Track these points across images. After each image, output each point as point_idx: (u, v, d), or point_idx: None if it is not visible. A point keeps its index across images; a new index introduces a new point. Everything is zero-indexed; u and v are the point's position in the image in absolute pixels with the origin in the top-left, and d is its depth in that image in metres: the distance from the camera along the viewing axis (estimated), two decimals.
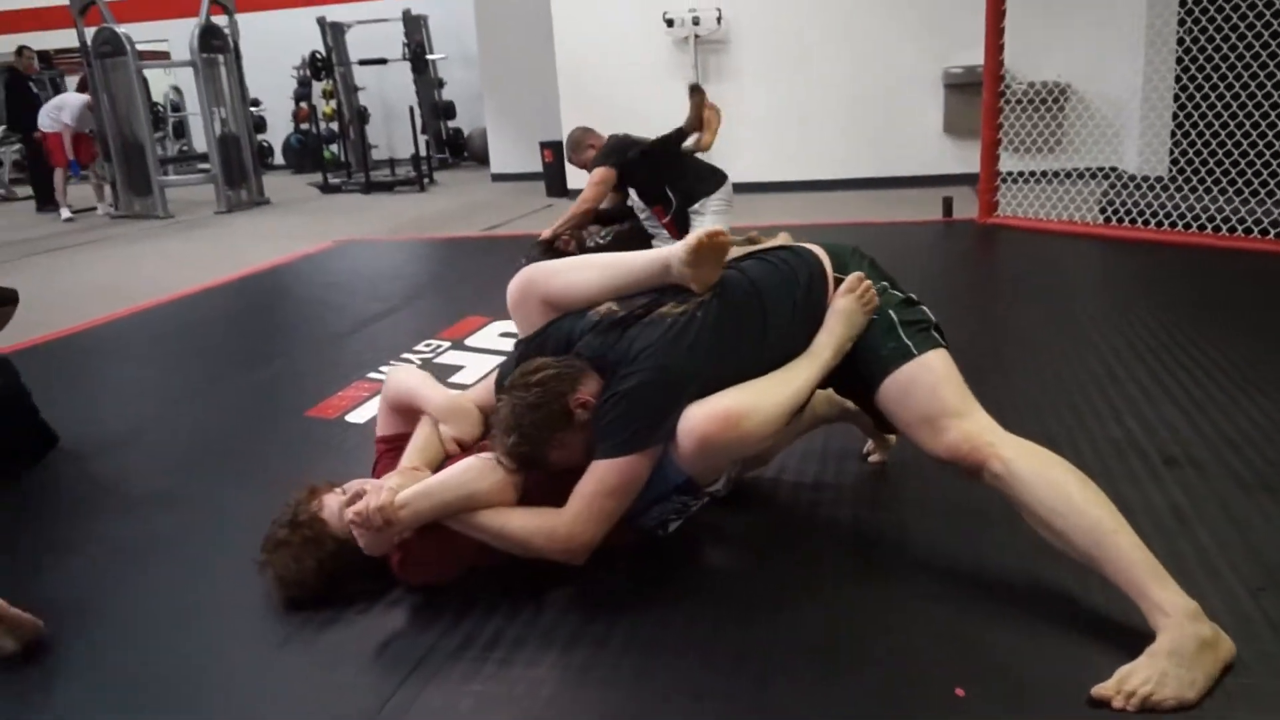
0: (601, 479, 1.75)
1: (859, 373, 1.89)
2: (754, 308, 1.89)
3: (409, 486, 1.78)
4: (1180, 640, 1.47)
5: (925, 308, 1.96)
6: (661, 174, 4.67)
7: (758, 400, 1.77)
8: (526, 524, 1.78)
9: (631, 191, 4.82)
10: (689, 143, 4.78)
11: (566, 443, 1.79)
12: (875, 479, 2.33)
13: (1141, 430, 2.47)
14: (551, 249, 4.75)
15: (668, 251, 1.91)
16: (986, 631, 1.66)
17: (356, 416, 3.00)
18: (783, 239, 4.81)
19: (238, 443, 2.90)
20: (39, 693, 1.69)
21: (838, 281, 1.94)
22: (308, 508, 1.88)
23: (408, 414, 2.07)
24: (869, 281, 1.90)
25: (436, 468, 1.91)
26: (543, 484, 1.82)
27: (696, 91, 4.78)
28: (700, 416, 1.73)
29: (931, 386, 1.81)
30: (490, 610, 1.81)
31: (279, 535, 1.86)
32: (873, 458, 2.38)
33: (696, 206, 4.61)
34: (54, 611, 1.96)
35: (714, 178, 4.69)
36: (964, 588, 1.81)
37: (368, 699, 1.58)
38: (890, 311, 1.90)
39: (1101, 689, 1.44)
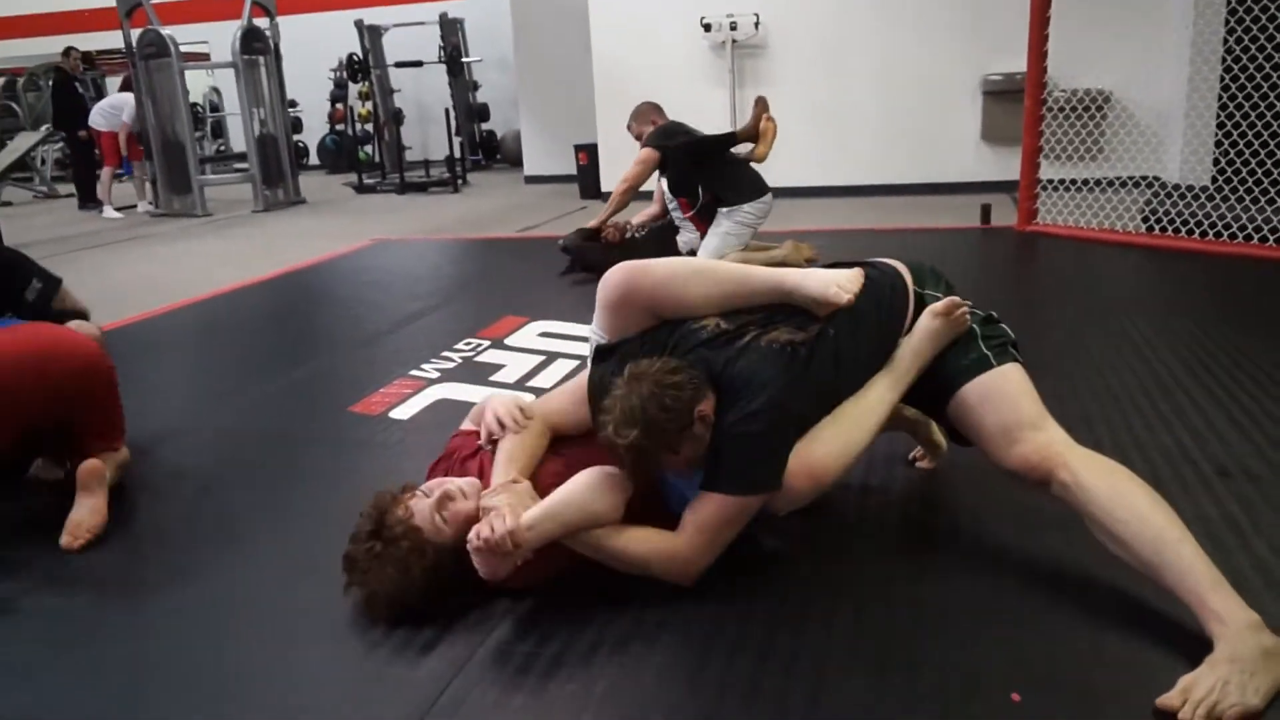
0: (723, 512, 1.76)
1: (935, 382, 1.92)
2: (854, 335, 1.89)
3: (519, 503, 1.73)
4: (1240, 648, 1.45)
5: (1004, 325, 2.00)
6: (698, 169, 4.69)
7: (843, 447, 1.83)
8: (646, 548, 1.78)
9: (662, 181, 4.87)
10: (743, 150, 4.80)
11: (680, 451, 1.76)
12: (925, 483, 2.32)
13: (1192, 440, 2.44)
14: (594, 236, 4.82)
15: (794, 280, 1.89)
16: (1043, 637, 1.65)
17: (400, 413, 3.02)
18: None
19: (283, 437, 2.93)
20: (89, 674, 1.71)
21: (917, 297, 1.96)
22: (397, 516, 1.79)
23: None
24: (964, 305, 1.92)
25: (531, 475, 1.88)
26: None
27: (760, 102, 4.81)
28: (792, 474, 1.77)
29: (1010, 397, 1.85)
30: (542, 606, 1.82)
31: (373, 550, 1.77)
32: (921, 464, 2.36)
33: (725, 210, 4.63)
34: (102, 597, 2.00)
35: (753, 189, 4.70)
36: (1019, 592, 1.79)
37: (421, 693, 1.59)
38: (973, 325, 1.94)
39: (1167, 699, 1.43)
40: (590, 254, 4.82)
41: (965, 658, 1.61)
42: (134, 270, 6.39)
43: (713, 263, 2.03)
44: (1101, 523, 1.66)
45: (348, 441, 2.83)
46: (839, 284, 1.85)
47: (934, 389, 1.93)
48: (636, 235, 4.94)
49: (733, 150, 4.81)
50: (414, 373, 3.43)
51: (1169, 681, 1.49)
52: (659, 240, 4.82)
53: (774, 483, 1.77)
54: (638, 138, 4.98)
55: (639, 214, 5.19)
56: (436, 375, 3.40)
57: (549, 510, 1.72)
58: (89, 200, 9.97)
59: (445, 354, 3.66)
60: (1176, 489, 2.16)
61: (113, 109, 9.60)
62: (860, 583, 1.88)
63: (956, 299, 1.92)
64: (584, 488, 1.77)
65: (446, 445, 2.12)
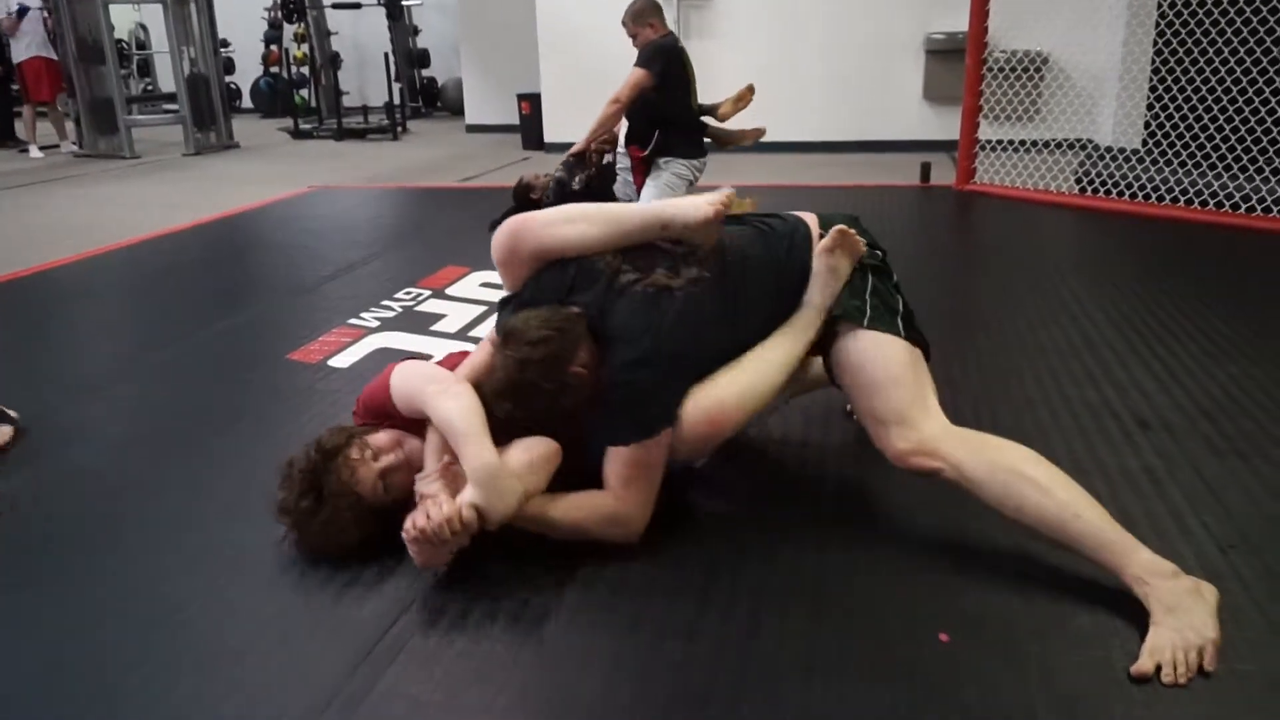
0: (631, 462, 1.78)
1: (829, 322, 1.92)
2: (743, 279, 1.90)
3: (454, 488, 1.73)
4: (1171, 600, 1.52)
5: (903, 298, 1.97)
6: (668, 110, 4.55)
7: (742, 391, 1.83)
8: (581, 514, 1.79)
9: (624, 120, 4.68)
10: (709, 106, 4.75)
11: (562, 409, 1.78)
12: (860, 436, 2.37)
13: (1116, 394, 2.53)
14: (584, 161, 4.59)
15: (669, 212, 1.89)
16: (972, 582, 1.71)
17: (340, 361, 2.99)
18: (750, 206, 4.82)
19: (220, 384, 2.88)
20: (23, 619, 1.69)
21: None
22: (341, 480, 1.78)
23: (416, 416, 1.89)
24: (851, 233, 1.90)
25: None
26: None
27: (750, 91, 4.74)
28: (689, 420, 1.79)
29: (881, 384, 1.82)
30: (483, 553, 1.83)
31: (310, 508, 1.77)
32: (856, 415, 2.41)
33: (664, 161, 4.53)
34: (33, 542, 1.96)
35: (698, 148, 4.65)
36: (950, 539, 1.85)
37: (364, 636, 1.60)
38: (870, 273, 1.93)
39: (1141, 668, 1.45)
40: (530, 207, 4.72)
41: (897, 601, 1.67)
42: (58, 213, 6.17)
43: (591, 206, 1.99)
44: (999, 509, 1.69)
45: (286, 389, 2.79)
46: (709, 201, 1.85)
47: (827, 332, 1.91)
48: (575, 188, 4.83)
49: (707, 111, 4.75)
50: (353, 321, 3.39)
51: (1089, 619, 1.58)
52: (602, 179, 4.67)
53: (667, 419, 1.78)
54: (632, 36, 4.78)
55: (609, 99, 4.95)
56: (376, 324, 3.37)
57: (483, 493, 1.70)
58: (6, 140, 9.56)
59: (385, 303, 3.62)
60: (1100, 441, 2.25)
61: (25, 36, 9.10)
62: (797, 531, 1.92)
63: (842, 226, 1.90)
64: (524, 459, 1.76)
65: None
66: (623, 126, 4.70)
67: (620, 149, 4.72)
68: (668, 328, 1.79)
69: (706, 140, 4.73)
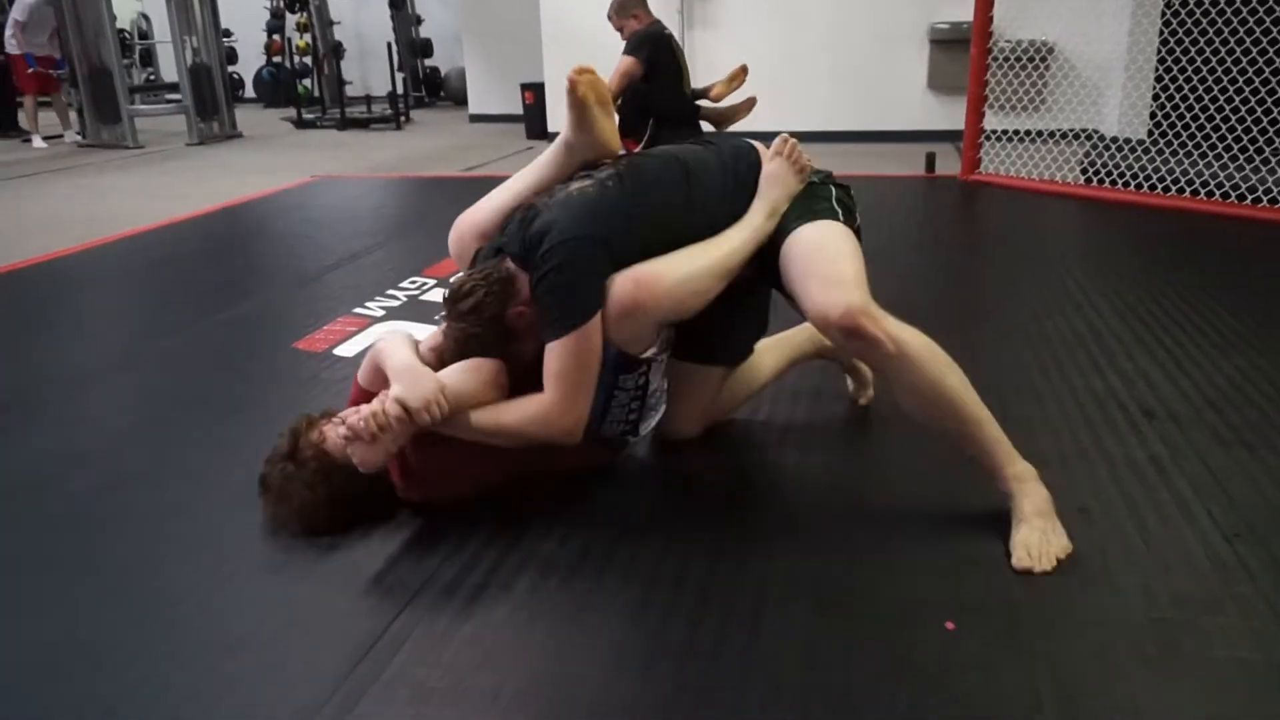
0: (564, 356, 1.79)
1: (773, 240, 1.92)
2: (675, 173, 1.94)
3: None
4: (1038, 501, 1.76)
5: (849, 191, 2.05)
6: (659, 98, 4.53)
7: (675, 263, 1.83)
8: (518, 416, 1.81)
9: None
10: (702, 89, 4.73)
11: (519, 352, 1.85)
12: (861, 421, 2.37)
13: (1122, 384, 2.52)
14: None
15: (563, 132, 1.99)
16: (973, 570, 1.71)
17: (345, 350, 2.99)
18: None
19: (225, 372, 2.88)
20: (23, 607, 1.69)
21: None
22: (309, 440, 1.88)
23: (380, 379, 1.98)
24: (794, 140, 1.95)
25: None
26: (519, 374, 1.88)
27: (743, 71, 4.71)
28: (616, 288, 1.78)
29: (828, 255, 1.86)
30: (490, 539, 1.84)
31: (285, 470, 1.85)
32: (861, 400, 2.41)
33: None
34: (38, 525, 1.97)
35: (695, 131, 4.64)
36: (950, 526, 1.86)
37: (369, 624, 1.60)
38: (812, 178, 1.99)
39: (1020, 562, 1.68)
40: None
41: (899, 589, 1.67)
42: (62, 203, 6.17)
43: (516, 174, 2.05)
44: (920, 394, 1.78)
45: (291, 378, 2.80)
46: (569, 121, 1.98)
47: (772, 247, 1.93)
48: None
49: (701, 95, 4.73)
50: (358, 310, 3.39)
51: (1090, 603, 1.59)
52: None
53: (592, 305, 1.78)
54: (618, 29, 4.76)
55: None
56: (381, 313, 3.37)
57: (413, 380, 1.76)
58: (9, 129, 9.55)
59: (390, 292, 3.62)
60: (1106, 431, 2.25)
61: (16, 27, 9.07)
62: (798, 519, 1.93)
63: (786, 136, 1.96)
64: (450, 372, 1.82)
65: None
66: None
67: None
68: (570, 220, 1.80)
69: (704, 124, 4.72)
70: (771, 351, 2.32)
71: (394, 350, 1.86)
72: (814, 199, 1.96)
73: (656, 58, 4.48)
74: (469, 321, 1.82)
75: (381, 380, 1.90)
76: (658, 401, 2.03)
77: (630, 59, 4.44)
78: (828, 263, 1.84)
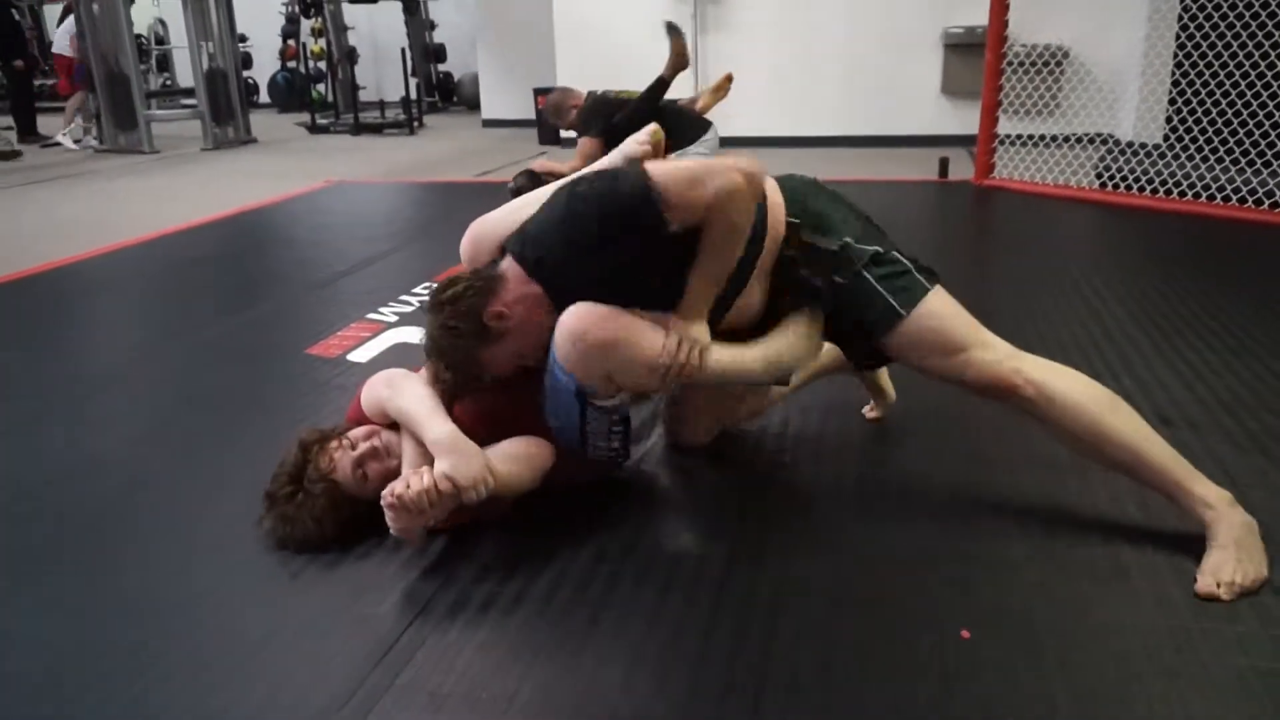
0: (672, 171, 1.73)
1: (853, 341, 1.92)
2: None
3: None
4: (1235, 528, 1.65)
5: (898, 253, 1.88)
6: (632, 128, 4.55)
7: (638, 331, 1.73)
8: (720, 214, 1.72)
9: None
10: (684, 100, 4.71)
11: (494, 356, 1.80)
12: (876, 432, 2.36)
13: (1138, 390, 2.51)
14: (537, 179, 4.61)
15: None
16: (991, 576, 1.70)
17: (359, 355, 3.00)
18: None
19: (240, 377, 2.90)
20: (47, 606, 1.70)
21: (791, 226, 1.88)
22: (320, 468, 1.84)
23: (386, 420, 1.93)
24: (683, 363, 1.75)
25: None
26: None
27: (675, 31, 4.59)
28: (561, 322, 1.72)
29: (936, 332, 1.82)
30: (503, 546, 1.84)
31: (292, 495, 1.84)
32: (871, 414, 2.40)
33: (674, 156, 4.53)
34: (58, 529, 1.98)
35: (694, 129, 4.61)
36: (968, 534, 1.85)
37: (383, 631, 1.61)
38: (866, 275, 1.84)
39: (1205, 587, 1.59)
40: None
41: (916, 597, 1.66)
42: (80, 207, 6.21)
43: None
44: (1071, 430, 1.74)
45: (305, 382, 2.81)
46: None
47: (856, 347, 1.92)
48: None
49: (670, 100, 4.70)
50: (372, 316, 3.40)
51: (1104, 615, 1.57)
52: None
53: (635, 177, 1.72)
54: (570, 129, 4.81)
55: (566, 163, 5.05)
56: (395, 319, 3.38)
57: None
58: (28, 133, 9.63)
59: (404, 297, 3.63)
60: None
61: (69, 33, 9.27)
62: (815, 528, 1.92)
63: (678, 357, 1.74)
64: (501, 450, 1.82)
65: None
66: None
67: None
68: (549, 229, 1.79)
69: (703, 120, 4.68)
70: None
71: (420, 409, 1.80)
72: (869, 306, 1.84)
73: (609, 120, 4.50)
74: (445, 314, 1.77)
75: (386, 419, 1.89)
76: (648, 432, 2.03)
77: (585, 140, 4.48)
78: (946, 333, 1.82)
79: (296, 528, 1.83)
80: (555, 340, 1.74)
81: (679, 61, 4.55)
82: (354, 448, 1.86)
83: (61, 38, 9.35)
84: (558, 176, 4.61)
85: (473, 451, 1.73)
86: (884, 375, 2.33)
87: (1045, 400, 1.73)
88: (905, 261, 1.88)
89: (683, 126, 4.59)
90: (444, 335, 1.79)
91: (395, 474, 1.80)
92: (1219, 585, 1.58)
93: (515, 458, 1.82)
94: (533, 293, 1.80)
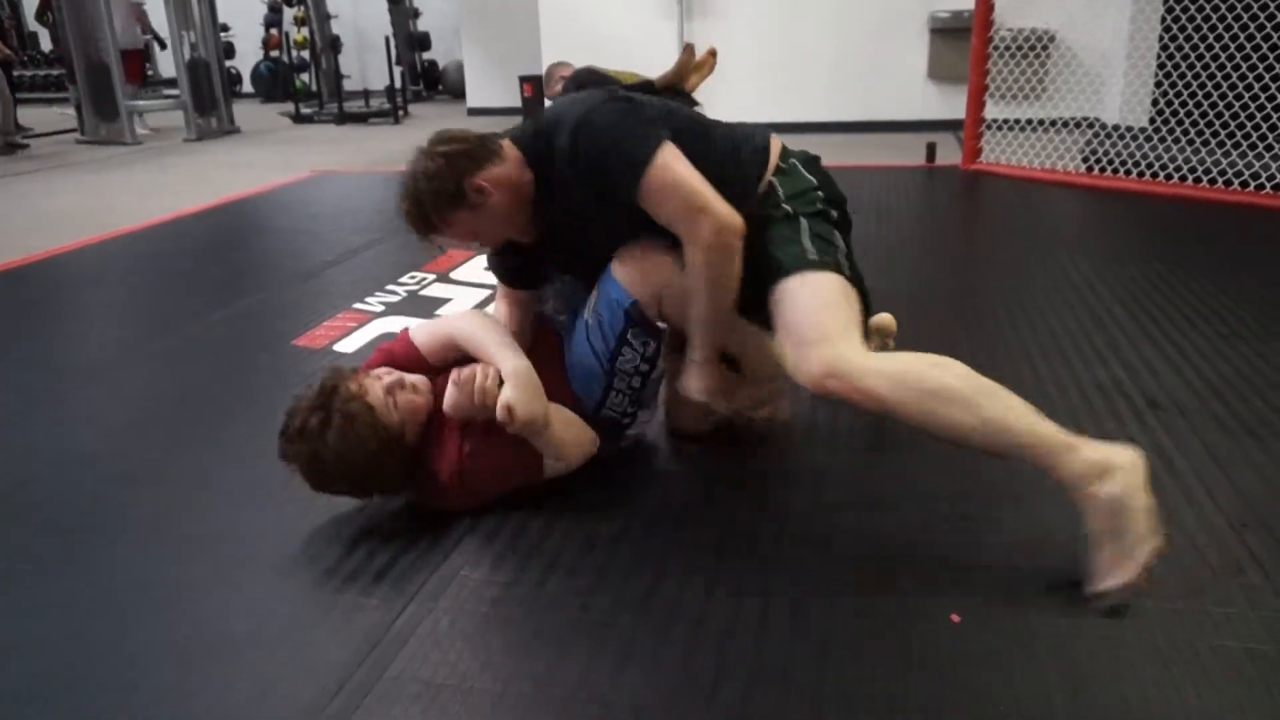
0: (669, 185, 1.77)
1: (760, 279, 1.84)
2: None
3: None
4: (1106, 516, 1.52)
5: (840, 235, 1.89)
6: None
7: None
8: (696, 257, 1.80)
9: None
10: (661, 76, 4.68)
11: (455, 221, 1.83)
12: (866, 420, 2.35)
13: (1126, 374, 2.51)
14: None
15: None
16: (981, 563, 1.70)
17: (345, 346, 2.98)
18: None
19: (226, 369, 2.88)
20: (34, 605, 1.69)
21: (777, 169, 1.93)
22: (350, 389, 1.79)
23: (444, 353, 1.97)
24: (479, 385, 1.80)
25: None
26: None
27: (686, 50, 4.64)
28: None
29: (808, 308, 1.73)
30: (493, 535, 1.83)
31: (322, 418, 1.75)
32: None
33: None
34: (40, 542, 1.96)
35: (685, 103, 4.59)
36: (958, 522, 1.85)
37: (373, 622, 1.59)
38: (803, 219, 1.85)
39: (1096, 592, 1.53)
40: None
41: (907, 585, 1.65)
42: (62, 199, 6.15)
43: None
44: (926, 432, 1.62)
45: (292, 374, 2.78)
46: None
47: (760, 287, 1.83)
48: None
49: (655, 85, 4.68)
50: (358, 306, 3.38)
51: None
52: None
53: (655, 130, 1.78)
54: (553, 97, 4.81)
55: None
56: (381, 309, 3.36)
57: (536, 406, 1.81)
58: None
59: (390, 288, 3.61)
60: (1111, 421, 2.24)
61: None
62: (804, 516, 1.92)
63: (473, 378, 1.81)
64: (566, 420, 1.92)
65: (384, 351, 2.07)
66: None
67: None
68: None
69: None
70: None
71: (496, 338, 1.87)
72: (786, 244, 1.82)
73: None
74: (433, 164, 1.79)
75: (453, 354, 1.92)
76: (652, 403, 2.04)
77: None
78: (810, 315, 1.72)
79: (328, 446, 1.73)
80: (618, 256, 1.85)
81: (675, 77, 4.57)
82: (380, 378, 1.86)
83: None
84: None
85: (539, 391, 1.81)
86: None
87: (887, 410, 1.61)
88: (840, 244, 1.87)
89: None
90: (419, 180, 1.81)
91: (423, 409, 1.86)
92: (1104, 593, 1.52)
93: (571, 423, 1.91)
94: (523, 181, 1.84)
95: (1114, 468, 1.52)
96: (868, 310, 1.89)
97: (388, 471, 1.83)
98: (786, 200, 1.88)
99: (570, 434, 1.91)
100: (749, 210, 1.83)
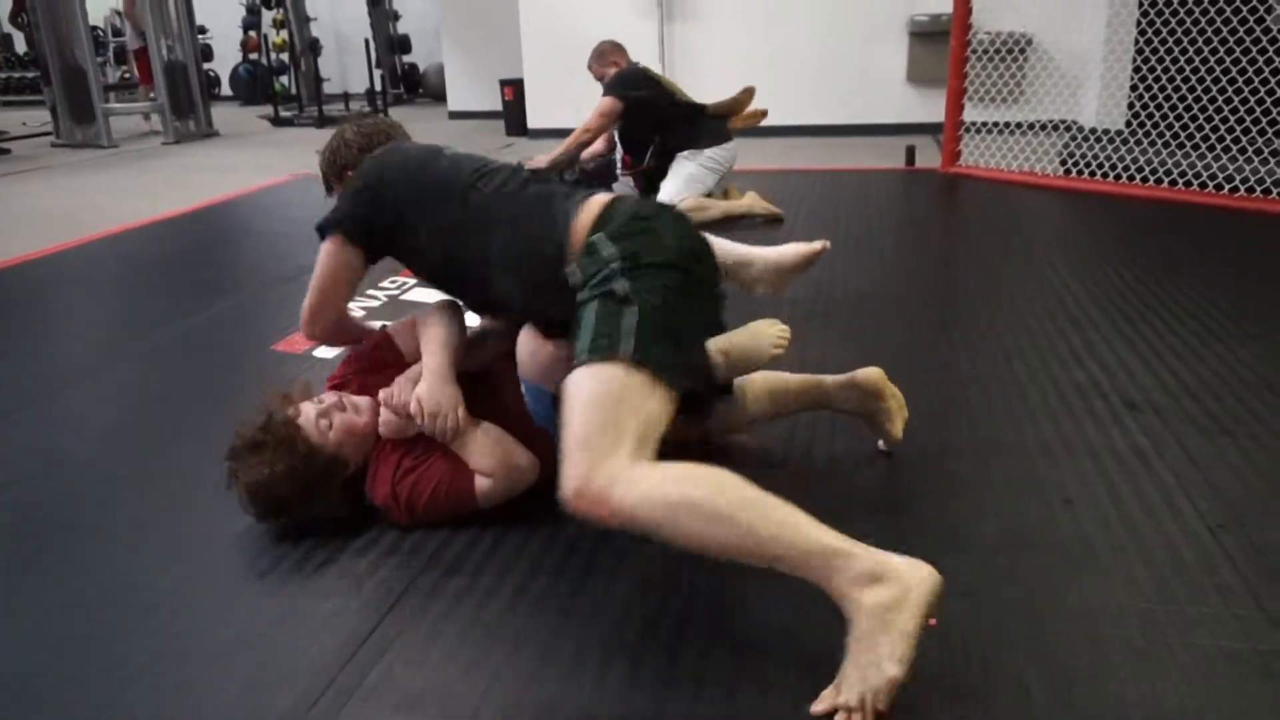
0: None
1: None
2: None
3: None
4: (866, 624, 1.32)
5: (633, 312, 1.56)
6: (657, 125, 4.58)
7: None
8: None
9: (614, 131, 4.77)
10: (713, 105, 4.75)
11: (333, 188, 2.20)
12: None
13: (1104, 375, 2.54)
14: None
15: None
16: (962, 563, 1.70)
17: (325, 351, 2.96)
18: (750, 199, 4.77)
19: (204, 374, 2.86)
20: (7, 607, 1.67)
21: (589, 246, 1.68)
22: (282, 413, 1.88)
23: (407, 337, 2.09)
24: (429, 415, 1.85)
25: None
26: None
27: (747, 91, 4.74)
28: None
29: (572, 409, 1.50)
30: (474, 540, 1.83)
31: (249, 438, 1.83)
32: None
33: (685, 154, 4.54)
34: (22, 545, 1.94)
35: (715, 136, 4.61)
36: (939, 521, 1.86)
37: (354, 628, 1.59)
38: (595, 302, 1.60)
39: (816, 706, 1.36)
40: None
41: None
42: (37, 202, 6.09)
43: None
44: (692, 549, 1.43)
45: (271, 379, 2.75)
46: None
47: None
48: (571, 175, 4.85)
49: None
50: None
51: (1074, 598, 1.58)
52: (600, 180, 4.75)
53: (347, 218, 2.20)
54: (599, 79, 4.81)
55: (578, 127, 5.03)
56: (360, 314, 3.34)
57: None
58: None
59: (370, 292, 3.60)
60: (1088, 421, 2.26)
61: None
62: None
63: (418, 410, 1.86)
64: (487, 428, 1.92)
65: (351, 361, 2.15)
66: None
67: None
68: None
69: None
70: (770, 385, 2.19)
71: (439, 338, 1.97)
72: (578, 337, 1.59)
73: (633, 89, 4.53)
74: (362, 129, 2.30)
75: (414, 347, 2.01)
76: None
77: (609, 99, 4.53)
78: (572, 419, 1.49)
79: (250, 474, 1.80)
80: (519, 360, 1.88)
81: (730, 109, 4.64)
82: (314, 400, 1.94)
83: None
84: (559, 167, 4.64)
85: (450, 387, 1.88)
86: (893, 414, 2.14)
87: (638, 528, 1.42)
88: (626, 326, 1.55)
89: (701, 129, 4.59)
90: (342, 144, 2.37)
91: (361, 430, 1.91)
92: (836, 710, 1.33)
93: (501, 439, 1.89)
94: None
95: (891, 579, 1.33)
96: (702, 382, 1.72)
97: (323, 494, 1.84)
98: (587, 286, 1.65)
99: (497, 447, 1.87)
100: (562, 313, 1.69)
